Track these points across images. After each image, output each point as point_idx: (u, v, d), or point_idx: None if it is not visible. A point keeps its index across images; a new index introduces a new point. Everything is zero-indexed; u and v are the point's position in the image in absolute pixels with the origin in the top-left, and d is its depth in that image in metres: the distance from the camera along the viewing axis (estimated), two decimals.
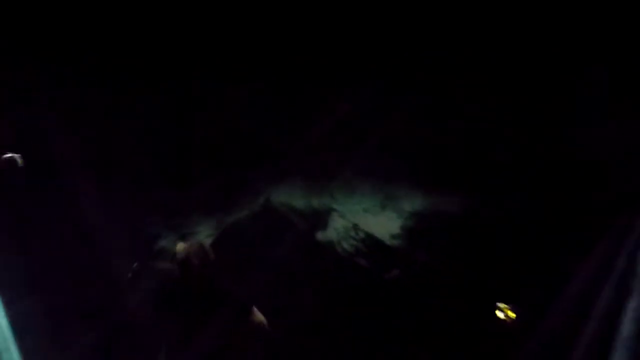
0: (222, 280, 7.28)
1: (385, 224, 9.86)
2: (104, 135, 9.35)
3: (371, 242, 9.84)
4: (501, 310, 9.33)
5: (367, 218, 9.90)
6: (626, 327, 8.67)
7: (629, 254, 8.63)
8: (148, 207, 9.42)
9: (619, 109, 9.32)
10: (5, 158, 8.75)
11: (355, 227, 9.87)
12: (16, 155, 8.63)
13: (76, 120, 9.14)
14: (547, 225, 9.22)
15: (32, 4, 9.50)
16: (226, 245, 9.36)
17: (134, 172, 9.54)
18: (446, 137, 9.26)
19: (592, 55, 9.44)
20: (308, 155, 9.62)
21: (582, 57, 9.42)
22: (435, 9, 9.43)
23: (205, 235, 9.43)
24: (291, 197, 9.92)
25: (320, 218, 9.88)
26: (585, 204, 9.24)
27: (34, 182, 9.22)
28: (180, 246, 7.32)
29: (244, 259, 9.22)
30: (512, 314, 9.29)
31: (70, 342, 8.83)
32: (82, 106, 9.36)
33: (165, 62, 9.76)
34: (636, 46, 9.41)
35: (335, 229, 9.92)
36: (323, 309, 9.22)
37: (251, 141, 9.65)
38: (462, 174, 9.39)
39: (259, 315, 6.76)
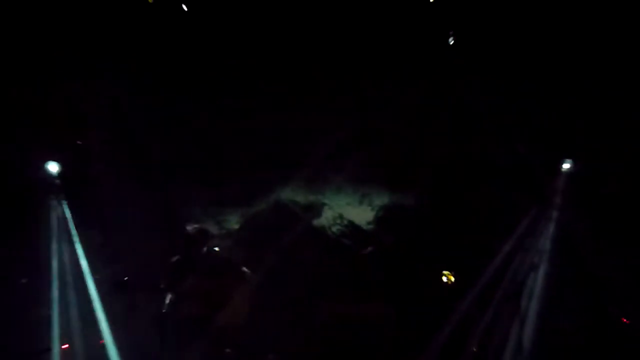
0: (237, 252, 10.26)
1: (362, 214, 12.48)
2: (161, 148, 12.29)
3: (352, 227, 12.48)
4: (445, 276, 12.16)
5: (349, 210, 12.50)
6: (533, 289, 11.68)
7: (523, 237, 11.56)
8: (192, 201, 12.23)
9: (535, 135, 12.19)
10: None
11: (341, 216, 12.52)
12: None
13: (142, 135, 12.12)
14: (479, 214, 12.04)
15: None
16: (249, 229, 12.23)
17: (182, 175, 12.28)
18: (405, 151, 12.14)
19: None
20: (307, 165, 12.25)
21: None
22: None
23: (233, 222, 12.28)
24: (295, 195, 12.52)
25: (315, 210, 12.53)
26: (507, 199, 12.10)
27: (113, 181, 12.20)
28: (191, 229, 10.24)
29: (261, 239, 12.19)
30: (452, 279, 12.12)
31: (139, 305, 11.78)
32: (144, 125, 12.21)
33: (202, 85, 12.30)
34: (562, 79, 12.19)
35: (326, 218, 12.54)
36: (315, 275, 11.90)
37: (266, 154, 12.28)
38: (417, 178, 12.13)
39: (249, 275, 9.60)
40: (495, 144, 12.18)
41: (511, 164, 12.14)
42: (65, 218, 11.87)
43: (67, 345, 11.81)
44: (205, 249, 10.22)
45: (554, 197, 11.83)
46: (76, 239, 11.85)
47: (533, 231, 11.89)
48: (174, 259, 11.21)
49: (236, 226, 12.29)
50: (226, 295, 10.43)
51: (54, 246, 11.81)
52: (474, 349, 11.52)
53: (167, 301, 11.94)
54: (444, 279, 12.11)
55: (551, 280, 11.61)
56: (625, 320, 11.69)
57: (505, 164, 12.17)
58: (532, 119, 12.14)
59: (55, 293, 11.70)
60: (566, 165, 11.67)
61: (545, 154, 12.01)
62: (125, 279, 12.23)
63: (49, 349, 11.66)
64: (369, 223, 12.54)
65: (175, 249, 12.04)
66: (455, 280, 12.09)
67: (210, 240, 11.27)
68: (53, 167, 11.57)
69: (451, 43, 12.19)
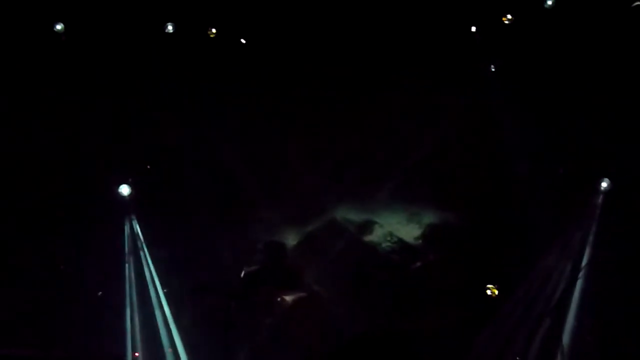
0: (296, 267, 10.89)
1: (410, 232, 13.06)
2: (223, 170, 13.05)
3: (401, 244, 13.01)
4: (489, 289, 12.69)
5: (399, 228, 13.06)
6: (571, 302, 12.27)
7: (562, 253, 12.16)
8: (254, 221, 13.02)
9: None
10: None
11: (391, 234, 13.06)
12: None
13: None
14: (520, 232, 12.52)
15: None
16: (305, 246, 12.85)
17: (242, 196, 13.09)
18: (450, 173, 12.82)
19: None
20: (360, 187, 12.96)
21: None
22: None
23: (291, 239, 12.91)
24: (348, 214, 13.12)
25: (367, 228, 13.09)
26: (546, 217, 12.65)
27: (181, 202, 12.96)
28: (268, 243, 10.84)
29: (316, 255, 12.88)
30: (496, 292, 12.59)
31: (207, 308, 12.48)
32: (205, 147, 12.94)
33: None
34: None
35: (377, 235, 13.06)
36: (368, 288, 12.50)
37: (320, 176, 13.01)
38: (460, 198, 12.78)
39: (314, 288, 10.25)
40: (534, 164, 12.68)
41: (550, 184, 12.66)
42: (136, 235, 12.68)
43: (137, 354, 12.62)
44: (276, 262, 10.89)
45: (592, 216, 12.52)
46: (147, 254, 12.66)
47: (572, 248, 12.60)
48: (249, 269, 11.70)
49: (294, 243, 12.95)
50: (295, 308, 11.11)
51: (127, 261, 12.62)
52: (517, 359, 12.18)
53: (236, 311, 12.69)
54: (488, 292, 12.57)
55: (589, 294, 12.24)
56: None
57: (544, 183, 12.65)
58: (570, 139, 12.69)
59: (127, 305, 12.52)
60: (604, 184, 12.24)
61: (584, 173, 12.51)
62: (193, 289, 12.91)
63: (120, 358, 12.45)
64: (416, 239, 13.10)
65: (249, 261, 12.54)
66: (497, 293, 12.51)
67: (282, 254, 11.92)
68: (125, 190, 12.39)
69: (493, 70, 12.83)
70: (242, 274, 13.03)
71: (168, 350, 12.73)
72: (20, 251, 12.27)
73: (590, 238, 12.39)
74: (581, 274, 12.27)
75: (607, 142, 12.52)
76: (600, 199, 12.35)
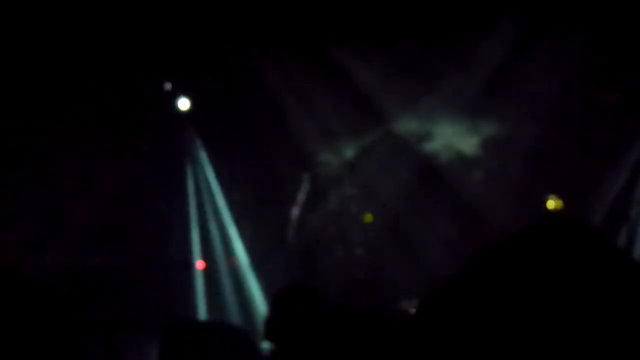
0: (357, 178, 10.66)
1: (470, 143, 12.37)
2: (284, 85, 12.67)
3: (460, 155, 12.39)
4: (552, 200, 11.89)
5: (458, 139, 12.39)
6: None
7: None
8: (309, 130, 12.76)
9: None
10: None
11: (449, 145, 12.41)
12: None
13: None
14: (582, 145, 11.89)
15: None
16: (364, 157, 12.66)
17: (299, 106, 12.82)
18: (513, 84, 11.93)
19: None
20: (416, 97, 12.31)
21: None
22: None
23: (349, 151, 12.74)
24: (406, 125, 12.55)
25: (424, 138, 12.50)
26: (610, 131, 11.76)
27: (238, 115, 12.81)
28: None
29: (375, 166, 12.65)
30: (560, 203, 11.87)
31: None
32: None
33: None
34: None
35: (435, 146, 12.46)
36: (422, 202, 12.28)
37: (379, 86, 12.45)
38: (523, 109, 11.95)
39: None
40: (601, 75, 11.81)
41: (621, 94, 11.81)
42: (197, 147, 12.94)
43: (204, 265, 12.95)
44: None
45: None
46: (208, 165, 12.92)
47: None
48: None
49: (351, 154, 12.67)
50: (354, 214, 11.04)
51: (188, 171, 12.96)
52: None
53: (292, 221, 12.82)
54: (552, 203, 11.95)
55: None
56: None
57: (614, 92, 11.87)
58: None
59: (192, 213, 12.92)
60: None
61: None
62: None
63: (189, 265, 12.86)
64: (476, 152, 12.49)
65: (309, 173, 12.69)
66: (562, 205, 11.91)
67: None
68: (184, 104, 12.46)
69: None
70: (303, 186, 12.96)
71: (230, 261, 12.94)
72: (88, 164, 12.26)
73: None
74: None
75: None
76: None
